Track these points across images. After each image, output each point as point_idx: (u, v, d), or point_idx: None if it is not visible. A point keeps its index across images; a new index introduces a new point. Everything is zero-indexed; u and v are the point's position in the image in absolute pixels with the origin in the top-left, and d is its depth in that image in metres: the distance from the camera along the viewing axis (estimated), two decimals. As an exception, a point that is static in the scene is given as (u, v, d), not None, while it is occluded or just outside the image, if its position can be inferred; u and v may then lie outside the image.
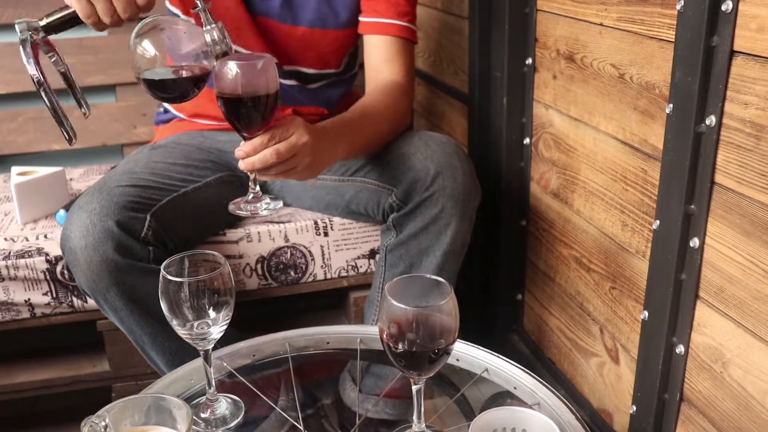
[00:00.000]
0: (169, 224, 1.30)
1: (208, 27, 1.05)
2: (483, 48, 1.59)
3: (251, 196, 1.13)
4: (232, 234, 1.49)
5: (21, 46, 1.04)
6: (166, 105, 1.63)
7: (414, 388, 0.93)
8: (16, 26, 1.04)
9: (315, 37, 1.47)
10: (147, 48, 1.04)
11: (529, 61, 1.47)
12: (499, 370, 1.11)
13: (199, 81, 1.06)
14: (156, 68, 1.04)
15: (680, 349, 1.08)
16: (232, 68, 1.02)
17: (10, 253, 1.44)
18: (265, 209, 1.12)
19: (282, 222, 1.52)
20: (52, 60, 1.10)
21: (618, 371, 1.29)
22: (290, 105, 1.53)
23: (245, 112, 1.04)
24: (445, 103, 1.93)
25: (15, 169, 1.64)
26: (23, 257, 1.43)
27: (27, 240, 1.50)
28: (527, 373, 1.09)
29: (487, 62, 1.58)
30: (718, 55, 0.94)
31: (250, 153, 1.07)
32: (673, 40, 1.01)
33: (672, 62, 1.01)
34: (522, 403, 1.06)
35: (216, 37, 1.05)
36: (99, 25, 1.05)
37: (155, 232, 1.25)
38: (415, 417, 0.96)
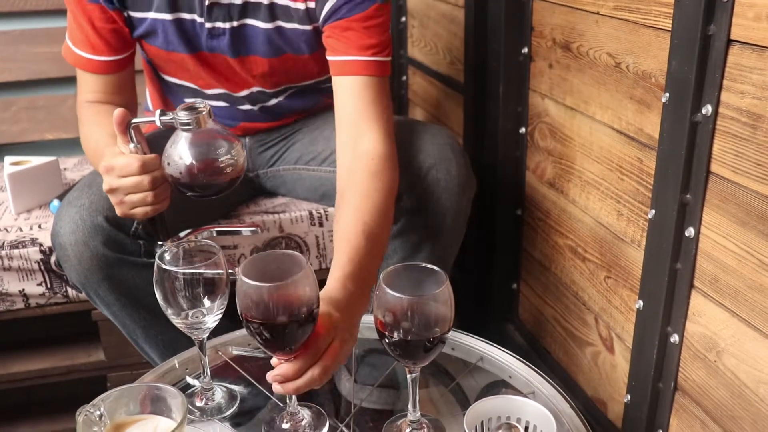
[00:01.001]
0: (160, 218, 1.29)
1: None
2: (479, 37, 1.58)
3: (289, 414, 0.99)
4: (227, 225, 1.49)
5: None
6: (149, 104, 1.61)
7: (409, 377, 0.93)
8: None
9: (272, 65, 1.35)
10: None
11: (525, 50, 1.46)
12: (494, 359, 1.11)
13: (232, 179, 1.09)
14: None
15: (675, 338, 1.08)
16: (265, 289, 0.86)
17: (4, 243, 1.44)
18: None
19: (277, 212, 1.52)
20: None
21: (613, 360, 1.29)
22: (244, 121, 1.49)
23: (288, 341, 0.89)
24: (441, 93, 1.93)
25: (8, 159, 1.63)
26: (17, 247, 1.43)
27: (21, 230, 1.49)
28: (522, 362, 1.09)
29: (483, 51, 1.58)
30: (715, 44, 0.93)
31: (292, 377, 0.90)
32: (670, 29, 1.01)
33: (668, 51, 1.01)
34: (517, 392, 1.06)
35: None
36: (159, 209, 1.12)
37: (145, 226, 1.25)
38: (410, 406, 0.96)
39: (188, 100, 1.13)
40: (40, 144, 2.02)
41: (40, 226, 1.51)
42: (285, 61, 1.34)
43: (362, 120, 1.21)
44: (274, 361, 0.91)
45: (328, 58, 1.26)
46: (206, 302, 0.95)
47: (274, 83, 1.41)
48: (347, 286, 1.01)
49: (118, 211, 1.11)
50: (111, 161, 1.07)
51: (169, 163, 1.05)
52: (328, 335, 0.91)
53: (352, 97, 1.23)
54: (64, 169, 1.84)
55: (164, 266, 0.92)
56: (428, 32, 1.96)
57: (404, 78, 2.19)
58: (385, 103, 1.25)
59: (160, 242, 1.16)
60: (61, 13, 1.95)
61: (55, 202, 1.56)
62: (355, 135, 1.21)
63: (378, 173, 1.17)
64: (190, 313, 0.95)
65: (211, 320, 0.97)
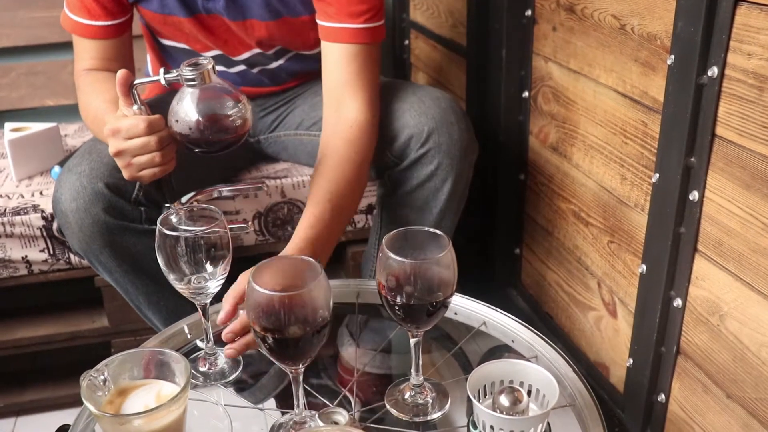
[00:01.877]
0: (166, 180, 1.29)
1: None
2: (481, 0, 1.56)
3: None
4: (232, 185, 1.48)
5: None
6: (150, 70, 1.60)
7: (412, 341, 0.93)
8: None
9: (270, 28, 1.34)
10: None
11: (529, 12, 1.44)
12: (497, 324, 1.11)
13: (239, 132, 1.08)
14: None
15: (678, 302, 1.08)
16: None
17: (5, 210, 1.44)
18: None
19: (279, 177, 1.52)
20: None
21: (615, 325, 1.29)
22: (244, 86, 1.47)
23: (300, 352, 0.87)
24: (444, 57, 1.91)
25: (8, 125, 1.63)
26: (19, 214, 1.43)
27: (22, 197, 1.49)
28: (525, 326, 1.10)
29: (486, 14, 1.56)
30: (722, 3, 0.92)
31: (239, 332, 0.97)
32: (676, -10, 0.99)
33: (674, 12, 1.00)
34: (520, 356, 1.06)
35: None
36: (167, 169, 1.10)
37: (146, 192, 1.25)
38: (413, 370, 0.97)
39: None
40: (41, 110, 2.01)
41: (41, 193, 1.50)
42: (283, 25, 1.33)
43: (347, 89, 1.23)
44: (220, 318, 0.97)
45: (318, 21, 1.25)
46: (208, 267, 0.94)
47: (274, 47, 1.40)
48: (304, 250, 1.08)
49: (126, 174, 1.09)
50: (116, 123, 1.06)
51: (177, 120, 1.05)
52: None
53: (339, 65, 1.24)
54: (65, 135, 1.84)
55: (165, 231, 0.92)
56: (430, -5, 1.94)
57: (406, 42, 2.17)
58: (372, 71, 1.25)
59: (167, 204, 1.15)
60: (58, -23, 1.93)
61: (56, 169, 1.55)
62: (338, 103, 1.24)
63: (354, 141, 1.21)
64: (193, 278, 0.95)
65: (214, 285, 0.97)
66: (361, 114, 1.22)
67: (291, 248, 1.08)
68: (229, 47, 1.38)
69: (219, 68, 1.42)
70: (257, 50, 1.39)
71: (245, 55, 1.40)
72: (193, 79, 1.02)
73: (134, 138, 1.05)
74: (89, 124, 1.29)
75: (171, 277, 0.95)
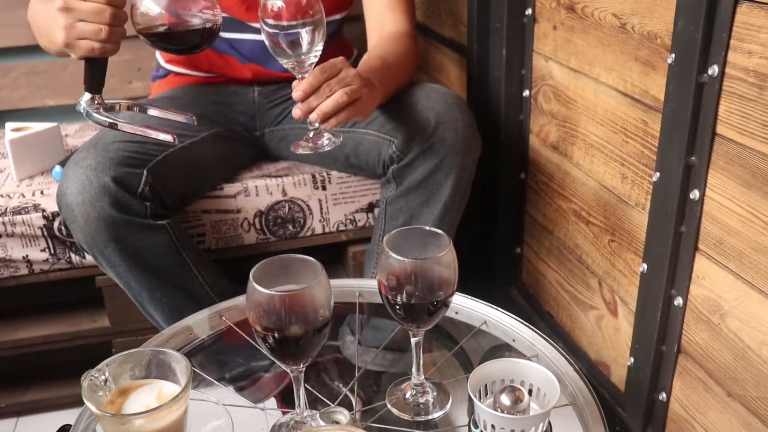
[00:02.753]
0: (166, 179, 1.29)
1: None
2: (482, -2, 1.56)
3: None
4: (230, 188, 1.49)
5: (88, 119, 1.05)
6: (161, 61, 1.60)
7: (413, 340, 0.93)
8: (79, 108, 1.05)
9: None
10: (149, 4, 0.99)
11: (529, 11, 1.44)
12: (497, 323, 1.12)
13: (206, 35, 1.03)
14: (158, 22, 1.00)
15: (679, 301, 1.08)
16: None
17: (6, 209, 1.44)
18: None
19: (279, 176, 1.52)
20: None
21: (616, 324, 1.29)
22: (254, 62, 1.50)
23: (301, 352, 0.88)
24: (444, 55, 1.91)
25: (9, 125, 1.62)
26: (20, 213, 1.43)
27: (23, 196, 1.49)
28: (526, 325, 1.10)
29: (486, 13, 1.56)
30: (722, 2, 0.92)
31: (309, 91, 1.06)
32: (676, -12, 0.99)
33: (674, 11, 1.00)
34: (521, 355, 1.07)
35: None
36: (107, 50, 1.03)
37: (152, 187, 1.25)
38: (414, 369, 0.97)
39: None
40: (41, 110, 2.01)
41: (42, 192, 1.50)
42: None
43: (389, 12, 1.43)
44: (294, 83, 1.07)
45: None
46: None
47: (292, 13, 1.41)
48: (363, 71, 1.18)
49: (61, 37, 1.02)
50: None
51: (141, 2, 0.99)
52: (342, 63, 1.10)
53: None
54: (66, 135, 1.84)
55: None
56: (431, -6, 1.94)
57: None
58: (412, 9, 1.47)
59: (88, 92, 1.06)
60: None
61: (57, 168, 1.55)
62: (381, 23, 1.44)
63: (398, 40, 1.40)
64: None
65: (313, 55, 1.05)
66: (402, 25, 1.43)
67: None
68: (242, 11, 1.40)
69: (232, 36, 1.47)
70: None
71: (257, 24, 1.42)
72: None
73: (89, 1, 1.00)
74: (37, 20, 1.23)
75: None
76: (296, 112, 1.07)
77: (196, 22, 1.01)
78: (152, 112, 1.15)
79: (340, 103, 1.06)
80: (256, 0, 1.34)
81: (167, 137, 1.05)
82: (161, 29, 1.01)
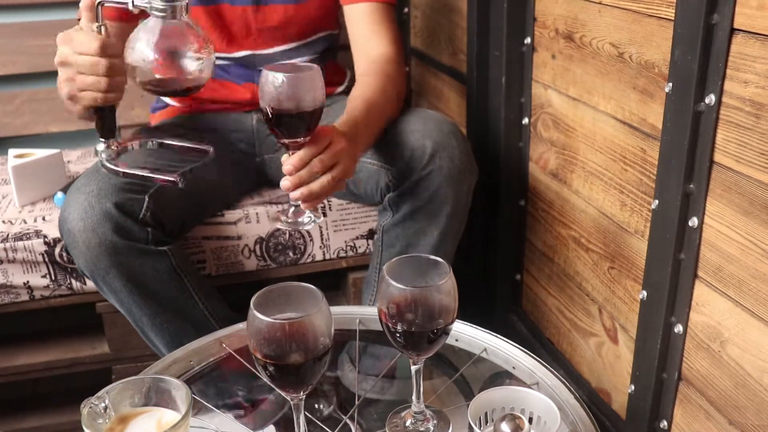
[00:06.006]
0: (168, 205, 1.29)
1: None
2: (481, 27, 1.58)
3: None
4: (231, 215, 1.49)
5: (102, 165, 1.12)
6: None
7: (413, 368, 0.93)
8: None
9: (290, 14, 1.46)
10: (143, 53, 1.01)
11: (528, 40, 1.46)
12: (498, 350, 1.11)
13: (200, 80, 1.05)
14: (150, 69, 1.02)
15: (679, 328, 1.08)
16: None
17: (8, 235, 1.44)
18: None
19: (280, 203, 1.52)
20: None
21: (616, 351, 1.29)
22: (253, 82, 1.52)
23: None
24: (443, 83, 1.92)
25: (12, 152, 1.63)
26: (21, 239, 1.43)
27: (25, 222, 1.49)
28: (526, 353, 1.09)
29: (486, 41, 1.57)
30: (718, 33, 0.93)
31: (299, 166, 1.06)
32: (673, 18, 1.00)
33: (671, 41, 1.01)
34: (521, 382, 1.06)
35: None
36: (109, 99, 1.08)
37: (153, 213, 1.25)
38: (414, 397, 0.96)
39: None
40: (44, 136, 2.02)
41: (44, 218, 1.51)
42: (301, 9, 1.43)
43: (373, 35, 1.42)
44: (284, 157, 1.08)
45: None
46: None
47: (283, 36, 1.46)
48: (347, 127, 1.18)
49: (64, 90, 1.05)
50: (70, 32, 1.03)
51: (132, 48, 1.00)
52: (323, 136, 1.08)
53: (363, 20, 1.43)
54: (68, 161, 1.84)
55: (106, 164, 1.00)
56: (431, 22, 1.96)
57: (407, 69, 2.18)
58: (392, 23, 1.45)
59: (102, 139, 1.11)
60: (62, 5, 1.95)
61: (59, 195, 1.56)
62: (365, 49, 1.42)
63: (383, 68, 1.37)
64: None
65: None
66: (389, 49, 1.41)
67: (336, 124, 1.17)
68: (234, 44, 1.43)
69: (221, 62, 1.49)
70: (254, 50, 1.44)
71: (240, 54, 1.44)
72: (162, 11, 0.97)
73: (84, 55, 1.01)
74: None
75: None
76: (285, 183, 1.09)
77: (189, 65, 1.02)
78: (169, 141, 1.21)
79: (325, 186, 1.09)
80: (234, 32, 1.37)
81: (171, 178, 1.11)
82: (156, 77, 1.02)
